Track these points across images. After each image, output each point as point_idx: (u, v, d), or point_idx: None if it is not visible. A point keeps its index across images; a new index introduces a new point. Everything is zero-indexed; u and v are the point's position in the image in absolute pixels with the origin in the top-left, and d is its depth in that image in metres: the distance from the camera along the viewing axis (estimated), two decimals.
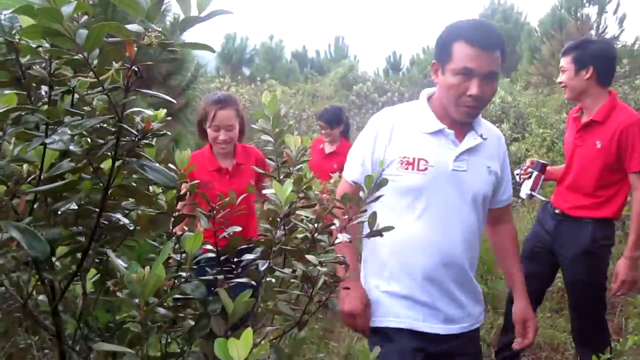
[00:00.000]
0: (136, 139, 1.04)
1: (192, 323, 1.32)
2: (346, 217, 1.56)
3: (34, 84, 1.08)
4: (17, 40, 1.08)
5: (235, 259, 1.52)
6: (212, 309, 1.26)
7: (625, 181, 3.47)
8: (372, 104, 16.60)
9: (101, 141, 1.06)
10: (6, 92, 1.10)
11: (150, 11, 1.00)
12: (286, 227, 1.42)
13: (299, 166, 1.63)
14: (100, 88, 1.00)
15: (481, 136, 2.38)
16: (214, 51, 1.10)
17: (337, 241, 1.41)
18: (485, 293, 4.66)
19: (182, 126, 6.73)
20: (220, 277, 1.42)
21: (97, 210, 1.07)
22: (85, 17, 1.06)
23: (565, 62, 3.64)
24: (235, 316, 1.24)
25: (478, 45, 2.16)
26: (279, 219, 1.37)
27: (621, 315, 5.06)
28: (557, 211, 3.78)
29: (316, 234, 1.38)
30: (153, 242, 1.40)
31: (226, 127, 3.76)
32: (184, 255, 1.34)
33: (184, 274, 1.29)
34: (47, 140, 1.00)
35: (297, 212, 1.40)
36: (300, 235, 1.37)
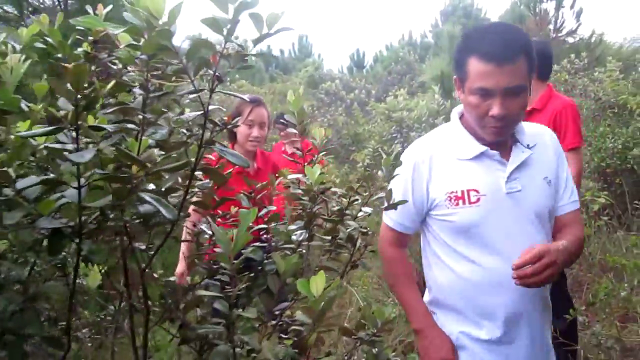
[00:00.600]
0: (219, 130, 1.32)
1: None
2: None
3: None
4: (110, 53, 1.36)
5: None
6: (268, 269, 1.54)
7: None
8: (340, 101, 16.99)
9: (188, 132, 1.34)
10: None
11: (230, 30, 1.28)
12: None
13: (322, 153, 1.91)
14: (192, 89, 1.27)
15: (528, 146, 2.14)
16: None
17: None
18: None
19: None
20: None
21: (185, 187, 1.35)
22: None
23: None
24: (286, 275, 1.53)
25: (493, 61, 1.92)
26: (315, 195, 1.66)
27: (588, 292, 5.44)
28: None
29: (346, 208, 1.68)
30: None
31: (260, 124, 3.81)
32: None
33: None
34: (149, 132, 1.28)
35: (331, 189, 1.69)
36: (335, 208, 1.66)
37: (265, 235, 1.77)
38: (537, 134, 2.22)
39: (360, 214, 1.74)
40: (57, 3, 6.93)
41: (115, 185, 1.18)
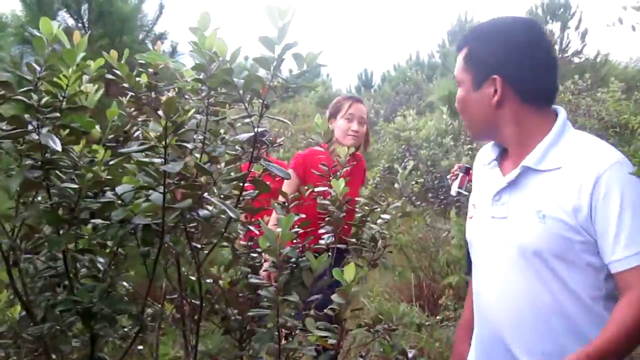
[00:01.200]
0: (267, 148, 1.61)
1: None
2: None
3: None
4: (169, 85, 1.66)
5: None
6: (303, 266, 1.83)
7: None
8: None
9: (241, 149, 1.63)
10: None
11: (276, 67, 1.57)
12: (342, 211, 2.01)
13: (346, 168, 2.21)
14: (246, 114, 1.57)
15: (537, 164, 1.66)
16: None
17: None
18: None
19: None
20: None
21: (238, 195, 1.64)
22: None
23: None
24: (318, 271, 1.81)
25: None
26: (341, 204, 1.95)
27: None
28: None
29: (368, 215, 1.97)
30: None
31: (360, 119, 3.76)
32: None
33: None
34: (208, 149, 1.57)
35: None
36: (359, 215, 1.95)
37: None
38: (578, 155, 1.63)
39: (379, 220, 2.03)
40: (81, 27, 7.29)
41: (184, 191, 1.47)
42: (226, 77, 1.48)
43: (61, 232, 1.47)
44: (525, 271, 1.65)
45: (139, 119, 1.89)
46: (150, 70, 1.89)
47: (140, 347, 2.29)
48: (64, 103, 1.54)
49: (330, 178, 2.08)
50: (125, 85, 1.84)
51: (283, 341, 1.85)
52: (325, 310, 1.82)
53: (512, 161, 1.76)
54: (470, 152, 9.08)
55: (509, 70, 1.67)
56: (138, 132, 1.84)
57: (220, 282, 2.10)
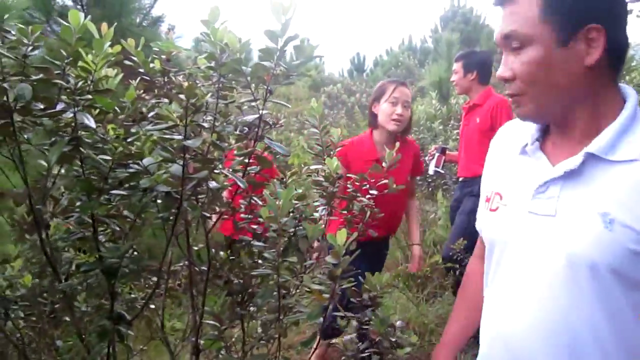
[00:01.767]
0: (269, 128, 1.83)
1: None
2: None
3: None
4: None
5: None
6: (300, 234, 2.05)
7: None
8: (342, 104, 17.54)
9: (247, 129, 1.86)
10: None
11: (278, 57, 1.79)
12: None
13: (339, 148, 2.43)
14: (253, 98, 1.79)
15: (611, 152, 1.29)
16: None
17: None
18: None
19: None
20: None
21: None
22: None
23: (457, 66, 5.05)
24: (313, 238, 2.04)
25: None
26: (334, 180, 2.18)
27: None
28: (460, 179, 5.12)
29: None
30: None
31: (404, 103, 3.70)
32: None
33: None
34: (218, 129, 1.79)
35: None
36: (350, 189, 2.17)
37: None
38: None
39: (367, 196, 2.27)
40: (79, 9, 7.45)
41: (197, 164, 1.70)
42: (236, 66, 1.70)
43: (91, 198, 1.69)
44: (571, 287, 1.28)
45: (152, 101, 2.10)
46: (164, 56, 2.11)
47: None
48: (91, 86, 1.75)
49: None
50: (141, 70, 2.06)
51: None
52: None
53: (567, 146, 1.37)
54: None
55: (610, 20, 1.26)
56: (152, 113, 2.04)
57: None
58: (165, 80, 2.05)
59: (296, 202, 2.18)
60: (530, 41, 1.30)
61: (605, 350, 1.28)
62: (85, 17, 1.83)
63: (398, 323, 2.14)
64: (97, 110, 1.71)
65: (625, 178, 1.25)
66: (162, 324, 2.43)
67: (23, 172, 1.71)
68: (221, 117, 1.78)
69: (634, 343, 1.29)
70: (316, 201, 2.30)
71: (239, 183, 1.66)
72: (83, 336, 2.06)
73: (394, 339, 2.13)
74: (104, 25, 1.79)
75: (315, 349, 3.29)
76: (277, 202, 1.78)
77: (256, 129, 1.81)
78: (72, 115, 1.64)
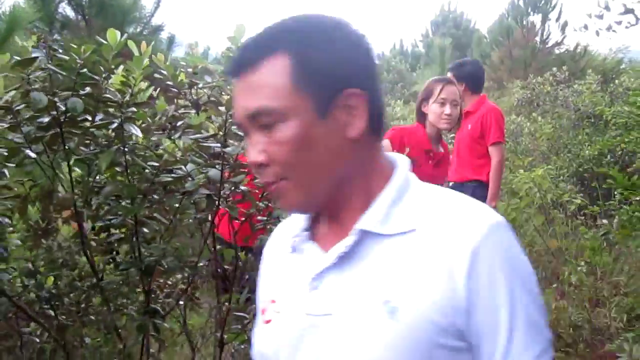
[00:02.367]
0: None
1: None
2: None
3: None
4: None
5: None
6: None
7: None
8: None
9: None
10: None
11: None
12: None
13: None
14: None
15: (384, 225, 1.05)
16: None
17: None
18: None
19: None
20: None
21: None
22: None
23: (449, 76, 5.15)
24: None
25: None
26: None
27: (564, 282, 6.14)
28: (450, 184, 5.18)
29: None
30: None
31: (452, 102, 3.77)
32: None
33: None
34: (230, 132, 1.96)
35: None
36: None
37: None
38: (438, 215, 1.05)
39: None
40: (81, 19, 7.60)
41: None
42: None
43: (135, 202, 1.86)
44: None
45: (179, 111, 2.26)
46: (190, 69, 2.28)
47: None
48: (132, 99, 1.93)
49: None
50: (169, 82, 2.23)
51: None
52: None
53: (340, 229, 1.09)
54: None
55: (369, 82, 1.08)
56: (180, 122, 2.21)
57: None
58: (191, 91, 2.22)
59: None
60: (285, 116, 1.00)
61: None
62: (87, 27, 1.98)
63: None
64: (140, 121, 1.87)
65: (402, 254, 1.02)
66: (184, 320, 2.60)
67: (70, 178, 1.88)
68: None
69: None
70: None
71: None
72: (119, 330, 2.22)
73: None
74: (143, 44, 1.96)
75: None
76: None
77: None
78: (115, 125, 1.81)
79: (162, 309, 2.26)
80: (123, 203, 1.99)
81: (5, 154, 1.90)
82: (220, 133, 1.75)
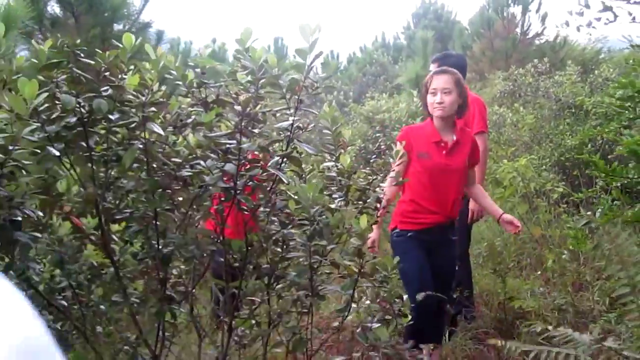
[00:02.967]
0: (302, 133, 2.16)
1: None
2: None
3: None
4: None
5: None
6: (323, 222, 2.38)
7: None
8: (320, 103, 17.90)
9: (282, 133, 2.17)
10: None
11: (308, 70, 2.11)
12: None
13: (350, 147, 2.75)
14: (286, 106, 2.11)
15: None
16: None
17: None
18: None
19: None
20: None
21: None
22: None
23: (433, 67, 5.19)
24: (334, 225, 2.36)
25: None
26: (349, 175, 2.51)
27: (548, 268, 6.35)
28: None
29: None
30: None
31: (443, 90, 3.88)
32: None
33: None
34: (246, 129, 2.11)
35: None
36: (363, 183, 2.51)
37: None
38: None
39: (377, 189, 2.60)
40: (70, 16, 7.67)
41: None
42: (274, 81, 2.02)
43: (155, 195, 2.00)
44: None
45: (191, 109, 2.39)
46: (198, 70, 2.41)
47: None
48: (149, 99, 2.06)
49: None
50: (179, 82, 2.36)
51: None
52: None
53: None
54: None
55: None
56: (190, 119, 2.34)
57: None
58: (200, 91, 2.35)
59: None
60: None
61: None
62: (77, 25, 2.12)
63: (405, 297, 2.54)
64: (159, 120, 2.01)
65: None
66: (191, 307, 2.73)
67: (92, 174, 2.01)
68: (260, 123, 2.10)
69: None
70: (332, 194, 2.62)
71: (282, 177, 1.99)
72: (137, 317, 2.36)
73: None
74: (160, 49, 2.09)
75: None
76: (308, 195, 2.10)
77: (290, 132, 2.14)
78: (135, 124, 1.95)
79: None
80: (133, 196, 2.15)
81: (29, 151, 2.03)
82: (236, 130, 1.89)
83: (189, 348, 3.16)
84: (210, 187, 1.97)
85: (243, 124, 1.88)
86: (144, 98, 1.96)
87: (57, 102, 1.98)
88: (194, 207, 2.10)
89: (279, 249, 2.47)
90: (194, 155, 2.00)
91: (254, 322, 2.57)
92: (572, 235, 5.36)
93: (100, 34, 7.08)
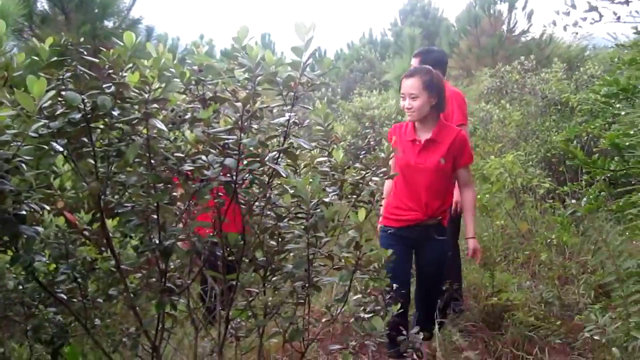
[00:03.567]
0: (298, 128, 2.22)
1: None
2: None
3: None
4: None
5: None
6: (319, 215, 2.44)
7: None
8: (308, 100, 17.94)
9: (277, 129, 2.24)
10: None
11: (303, 68, 2.18)
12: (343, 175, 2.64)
13: (342, 142, 2.82)
14: (283, 102, 2.17)
15: None
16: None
17: None
18: None
19: None
20: None
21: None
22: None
23: (414, 62, 5.35)
24: (329, 218, 2.43)
25: None
26: (342, 169, 2.58)
27: (535, 263, 6.45)
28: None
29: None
30: None
31: (410, 95, 3.93)
32: None
33: None
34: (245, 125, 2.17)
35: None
36: (356, 177, 2.58)
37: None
38: None
39: (370, 183, 2.67)
40: (60, 13, 7.67)
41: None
42: (272, 78, 2.08)
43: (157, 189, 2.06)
44: None
45: (189, 105, 2.44)
46: (195, 67, 2.47)
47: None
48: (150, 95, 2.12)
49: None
50: (177, 79, 2.42)
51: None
52: None
53: None
54: None
55: None
56: (187, 116, 2.39)
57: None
58: (198, 88, 2.41)
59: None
60: None
61: None
62: (67, 21, 2.19)
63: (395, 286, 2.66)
64: (161, 116, 2.07)
65: None
66: (188, 300, 2.79)
67: (95, 169, 2.07)
68: (256, 119, 2.16)
69: None
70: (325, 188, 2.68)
71: (280, 172, 2.05)
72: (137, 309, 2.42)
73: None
74: (160, 46, 2.15)
75: None
76: (307, 188, 2.17)
77: (286, 127, 2.20)
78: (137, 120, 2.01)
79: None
80: (130, 191, 2.22)
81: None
82: (236, 127, 1.96)
83: (186, 339, 3.22)
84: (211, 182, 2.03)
85: (243, 120, 1.94)
86: (146, 95, 2.01)
87: (60, 99, 2.03)
88: (194, 201, 2.16)
89: (273, 242, 2.54)
90: (196, 150, 2.06)
91: (250, 313, 2.64)
92: (559, 221, 5.48)
93: (90, 31, 7.08)
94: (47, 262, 2.51)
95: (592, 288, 5.25)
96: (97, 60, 2.03)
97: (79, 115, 1.95)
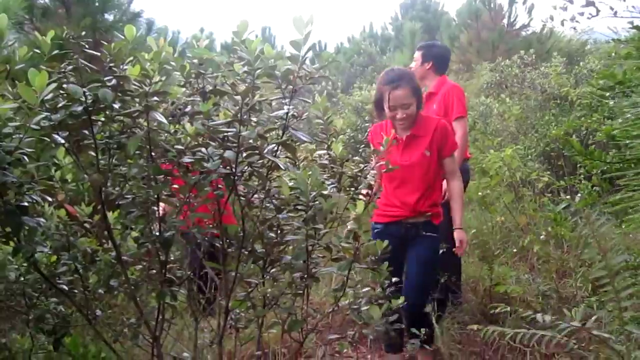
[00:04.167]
0: (296, 121, 2.25)
1: None
2: None
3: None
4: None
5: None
6: (317, 207, 2.47)
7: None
8: (308, 93, 17.95)
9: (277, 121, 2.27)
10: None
11: (302, 61, 2.20)
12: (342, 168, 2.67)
13: (341, 136, 2.86)
14: (282, 96, 2.20)
15: None
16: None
17: None
18: None
19: None
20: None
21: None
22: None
23: (417, 54, 5.45)
24: (327, 210, 2.46)
25: None
26: (342, 162, 2.61)
27: (533, 256, 6.49)
28: None
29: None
30: None
31: (402, 106, 3.82)
32: None
33: None
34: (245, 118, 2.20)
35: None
36: (355, 170, 2.61)
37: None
38: None
39: (368, 176, 2.70)
40: (60, 6, 7.69)
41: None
42: (271, 71, 2.11)
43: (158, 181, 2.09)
44: None
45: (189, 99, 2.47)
46: (195, 61, 2.49)
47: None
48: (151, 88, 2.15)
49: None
50: (177, 73, 2.45)
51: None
52: None
53: None
54: None
55: None
56: (188, 108, 2.41)
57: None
58: (198, 81, 2.44)
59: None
60: None
61: None
62: (67, 15, 2.21)
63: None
64: (161, 109, 2.10)
65: None
66: (188, 290, 2.82)
67: (97, 162, 2.10)
68: (255, 111, 2.19)
69: None
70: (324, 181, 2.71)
71: (279, 164, 2.08)
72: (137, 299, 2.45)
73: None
74: (161, 40, 2.18)
75: None
76: (307, 181, 2.20)
77: (285, 120, 2.23)
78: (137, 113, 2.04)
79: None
80: (132, 183, 2.25)
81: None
82: (236, 120, 1.98)
83: (186, 330, 3.26)
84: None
85: (243, 113, 1.97)
86: (147, 88, 2.04)
87: (61, 91, 2.06)
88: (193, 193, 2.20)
89: (272, 234, 2.57)
90: (196, 143, 2.09)
91: (249, 304, 2.67)
92: (552, 217, 5.50)
93: (90, 24, 7.09)
94: (49, 253, 2.54)
95: (589, 281, 5.27)
96: (98, 54, 2.05)
97: (80, 108, 1.97)
